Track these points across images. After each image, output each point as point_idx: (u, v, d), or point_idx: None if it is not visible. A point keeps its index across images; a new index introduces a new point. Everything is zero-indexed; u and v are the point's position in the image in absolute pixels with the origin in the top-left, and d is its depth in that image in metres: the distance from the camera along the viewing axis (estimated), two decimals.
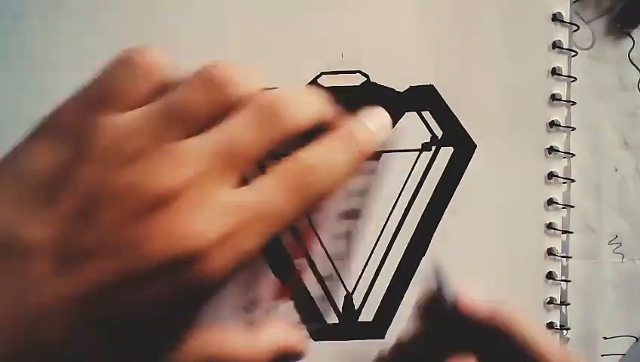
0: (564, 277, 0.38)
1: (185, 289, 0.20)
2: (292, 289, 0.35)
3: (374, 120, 0.25)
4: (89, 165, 0.20)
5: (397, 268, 0.37)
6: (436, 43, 0.36)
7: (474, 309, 0.29)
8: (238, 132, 0.22)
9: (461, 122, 0.36)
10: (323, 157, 0.23)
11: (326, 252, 0.37)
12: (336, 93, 0.36)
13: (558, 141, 0.37)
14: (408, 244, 0.37)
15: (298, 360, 0.27)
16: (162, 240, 0.20)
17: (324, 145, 0.23)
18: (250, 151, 0.22)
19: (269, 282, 0.29)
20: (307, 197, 0.22)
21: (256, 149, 0.22)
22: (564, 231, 0.38)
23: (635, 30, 0.38)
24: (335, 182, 0.23)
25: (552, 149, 0.37)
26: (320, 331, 0.37)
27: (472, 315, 0.29)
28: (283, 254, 0.34)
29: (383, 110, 0.26)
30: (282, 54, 0.36)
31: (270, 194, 0.22)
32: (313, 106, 0.24)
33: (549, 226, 0.37)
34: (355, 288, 0.37)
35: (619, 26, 0.38)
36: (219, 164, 0.21)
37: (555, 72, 0.37)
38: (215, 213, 0.21)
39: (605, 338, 0.40)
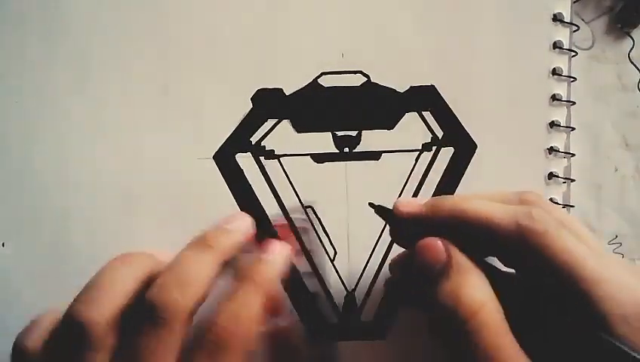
0: None
1: None
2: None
3: (274, 251, 0.31)
4: None
5: None
6: (436, 43, 0.36)
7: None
8: None
9: (462, 122, 0.36)
10: (232, 315, 0.28)
11: (326, 252, 0.37)
12: (336, 93, 0.36)
13: (558, 141, 0.37)
14: None
15: None
16: None
17: (230, 301, 0.28)
18: None
19: None
20: (235, 351, 0.28)
21: None
22: None
23: (635, 30, 0.38)
24: (252, 327, 0.28)
25: (552, 149, 0.37)
26: (320, 331, 0.37)
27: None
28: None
29: (279, 243, 0.32)
30: (282, 54, 0.36)
31: None
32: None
33: None
34: (355, 288, 0.37)
35: (619, 26, 0.38)
36: None
37: (555, 72, 0.37)
38: None
39: None
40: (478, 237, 0.27)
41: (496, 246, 0.27)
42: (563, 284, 0.24)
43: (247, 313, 0.29)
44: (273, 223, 0.36)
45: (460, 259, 0.27)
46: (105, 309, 0.27)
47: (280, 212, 0.36)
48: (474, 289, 0.26)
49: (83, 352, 0.27)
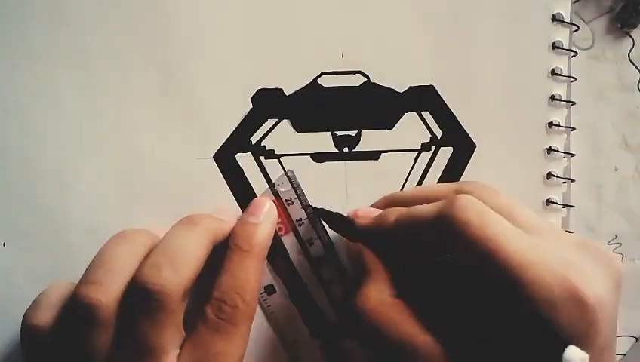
0: None
1: None
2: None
3: (261, 213, 0.33)
4: None
5: None
6: (436, 43, 0.36)
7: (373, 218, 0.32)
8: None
9: (461, 122, 0.36)
10: (233, 289, 0.29)
11: (325, 251, 0.37)
12: (336, 93, 0.36)
13: (557, 141, 0.37)
14: None
15: None
16: None
17: (228, 275, 0.29)
18: None
19: None
20: (241, 320, 0.29)
21: None
22: None
23: (635, 30, 0.38)
24: (253, 296, 0.30)
25: (551, 150, 0.37)
26: (320, 330, 0.37)
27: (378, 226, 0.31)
28: None
29: (264, 199, 0.34)
30: (282, 54, 0.36)
31: (209, 341, 0.28)
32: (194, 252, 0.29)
33: None
34: (355, 286, 0.37)
35: (619, 26, 0.38)
36: None
37: (554, 72, 0.37)
38: None
39: None
40: (420, 237, 0.28)
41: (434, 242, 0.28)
42: (489, 271, 0.24)
43: (248, 285, 0.29)
44: None
45: (367, 264, 0.30)
46: (110, 290, 0.27)
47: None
48: (373, 291, 0.28)
49: (91, 332, 0.27)
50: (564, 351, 0.22)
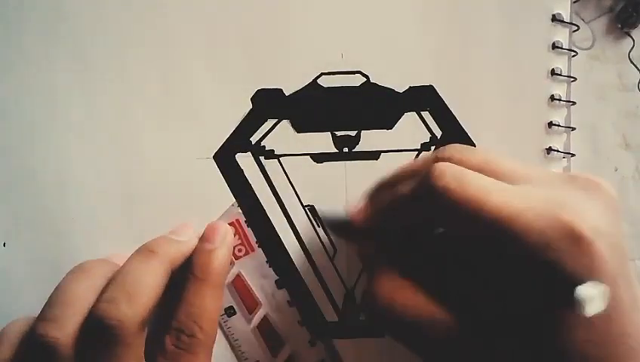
0: None
1: None
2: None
3: (217, 239, 0.32)
4: None
5: None
6: (436, 43, 0.36)
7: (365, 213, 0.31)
8: None
9: (460, 122, 0.36)
10: (191, 320, 0.29)
11: (326, 251, 0.37)
12: (336, 93, 0.36)
13: (557, 141, 0.37)
14: None
15: None
16: None
17: (187, 305, 0.29)
18: None
19: None
20: (200, 349, 0.29)
21: None
22: None
23: (635, 30, 0.38)
24: (213, 326, 0.30)
25: (551, 150, 0.37)
26: (320, 330, 0.37)
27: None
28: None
29: (220, 223, 0.33)
30: (282, 54, 0.36)
31: None
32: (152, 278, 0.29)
33: None
34: (355, 286, 0.37)
35: (619, 26, 0.38)
36: None
37: (554, 72, 0.37)
38: None
39: None
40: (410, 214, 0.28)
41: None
42: (481, 230, 0.23)
43: (206, 313, 0.29)
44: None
45: (369, 257, 0.30)
46: (67, 327, 0.27)
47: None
48: (383, 278, 0.27)
49: None
50: (574, 291, 0.21)
